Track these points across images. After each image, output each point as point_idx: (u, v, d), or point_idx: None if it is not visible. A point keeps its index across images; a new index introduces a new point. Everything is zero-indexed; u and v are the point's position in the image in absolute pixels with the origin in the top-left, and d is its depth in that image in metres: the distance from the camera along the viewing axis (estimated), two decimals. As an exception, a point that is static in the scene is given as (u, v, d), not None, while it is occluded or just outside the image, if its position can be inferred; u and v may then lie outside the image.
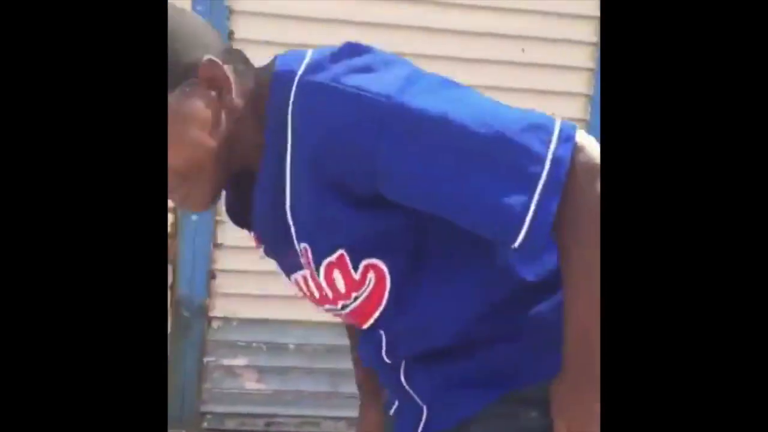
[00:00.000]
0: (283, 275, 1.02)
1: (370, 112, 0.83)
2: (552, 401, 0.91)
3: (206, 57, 0.87)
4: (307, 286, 0.99)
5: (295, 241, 0.93)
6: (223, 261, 2.53)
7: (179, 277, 2.50)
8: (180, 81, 0.86)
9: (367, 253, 0.91)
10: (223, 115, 0.89)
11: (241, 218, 1.03)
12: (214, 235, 2.51)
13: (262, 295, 2.50)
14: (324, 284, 0.95)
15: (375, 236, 0.90)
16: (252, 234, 1.02)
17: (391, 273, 0.92)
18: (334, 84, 0.84)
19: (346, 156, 0.85)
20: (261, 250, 1.02)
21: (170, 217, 2.44)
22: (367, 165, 0.84)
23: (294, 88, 0.86)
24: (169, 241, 2.43)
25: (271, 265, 1.04)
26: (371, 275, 0.93)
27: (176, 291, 2.50)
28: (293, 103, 0.86)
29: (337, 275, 0.93)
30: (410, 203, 0.87)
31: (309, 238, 0.92)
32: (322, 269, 0.93)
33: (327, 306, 1.00)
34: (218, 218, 2.47)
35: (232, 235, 2.51)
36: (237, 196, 1.02)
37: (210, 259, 2.51)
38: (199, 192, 0.92)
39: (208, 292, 2.54)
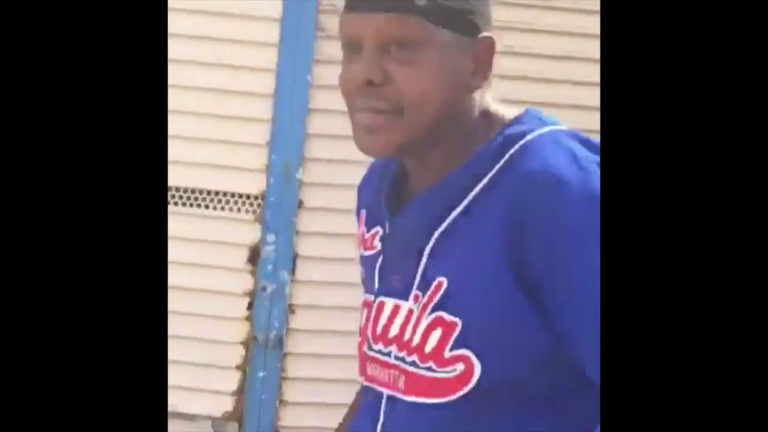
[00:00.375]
0: (365, 291, 0.98)
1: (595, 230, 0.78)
2: None
3: (491, 35, 0.89)
4: (388, 318, 0.92)
5: (424, 270, 0.88)
6: (288, 418, 2.51)
7: (245, 436, 2.47)
8: (468, 29, 0.87)
9: (481, 342, 0.85)
10: (462, 93, 0.89)
11: (376, 205, 0.98)
12: (280, 392, 2.51)
13: (330, 451, 2.43)
14: (420, 330, 0.88)
15: (503, 332, 0.85)
16: (373, 229, 0.98)
17: (478, 380, 0.85)
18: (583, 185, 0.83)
19: (553, 250, 0.83)
20: (364, 251, 0.99)
21: (237, 375, 2.48)
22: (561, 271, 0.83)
23: (541, 140, 0.87)
24: (236, 396, 2.44)
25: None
26: (460, 366, 0.86)
27: (243, 449, 2.46)
28: (530, 149, 0.86)
29: (435, 335, 0.87)
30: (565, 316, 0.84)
31: (450, 276, 0.87)
32: (433, 316, 0.87)
33: (380, 347, 0.92)
34: (284, 375, 2.48)
35: (299, 391, 2.51)
36: (392, 178, 0.97)
37: (276, 417, 2.50)
38: (401, 129, 0.87)
39: (274, 450, 2.49)
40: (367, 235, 0.99)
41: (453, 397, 0.86)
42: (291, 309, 2.50)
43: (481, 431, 0.87)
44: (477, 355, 0.85)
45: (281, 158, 2.49)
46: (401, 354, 0.89)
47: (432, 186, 0.90)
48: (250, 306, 2.48)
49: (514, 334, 0.85)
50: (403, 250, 0.92)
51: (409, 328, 0.89)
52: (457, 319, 0.85)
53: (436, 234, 0.88)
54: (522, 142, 0.87)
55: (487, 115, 0.91)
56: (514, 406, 0.86)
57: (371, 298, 0.96)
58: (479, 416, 0.87)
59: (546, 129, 0.88)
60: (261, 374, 2.48)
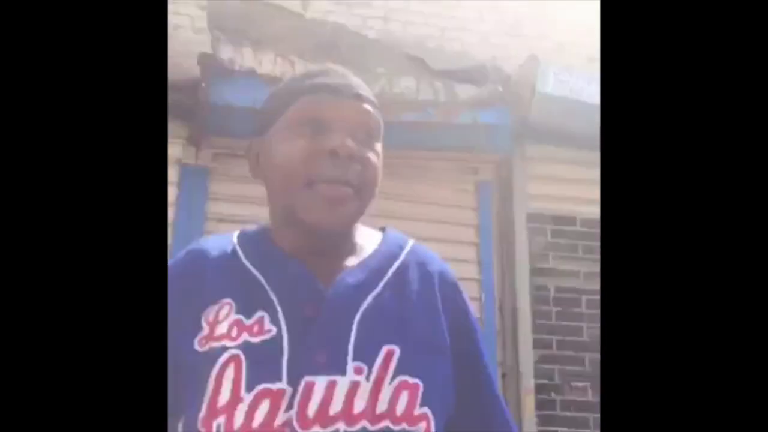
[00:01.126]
0: (252, 381, 0.89)
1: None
2: None
3: None
4: (323, 396, 0.89)
5: (356, 342, 0.92)
6: None
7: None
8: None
9: (432, 399, 0.94)
10: None
11: (248, 292, 0.97)
12: None
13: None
14: (386, 396, 0.91)
15: (446, 386, 0.99)
16: (253, 316, 0.95)
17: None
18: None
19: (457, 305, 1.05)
20: (249, 337, 0.93)
21: None
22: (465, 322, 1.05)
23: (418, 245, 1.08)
24: None
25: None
26: (422, 425, 0.93)
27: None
28: (418, 249, 1.07)
29: (403, 397, 0.91)
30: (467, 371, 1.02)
31: (398, 343, 0.94)
32: (396, 381, 0.91)
33: (316, 430, 0.88)
34: None
35: None
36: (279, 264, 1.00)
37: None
38: (359, 205, 0.99)
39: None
40: (249, 322, 0.93)
41: None
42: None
43: None
44: (432, 413, 0.94)
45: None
46: (357, 426, 0.88)
47: (350, 269, 0.99)
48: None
49: (448, 387, 1.00)
50: (332, 326, 0.93)
51: (361, 398, 0.89)
52: (416, 380, 0.93)
53: (363, 307, 0.96)
54: (409, 246, 1.07)
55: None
56: None
57: (277, 385, 0.89)
58: None
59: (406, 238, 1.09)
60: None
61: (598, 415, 3.46)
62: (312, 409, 0.88)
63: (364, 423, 0.88)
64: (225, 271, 0.99)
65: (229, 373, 0.89)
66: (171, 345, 0.90)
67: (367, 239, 1.05)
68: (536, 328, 3.43)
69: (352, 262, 1.01)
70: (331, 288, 0.96)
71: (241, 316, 0.94)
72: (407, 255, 1.04)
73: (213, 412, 0.88)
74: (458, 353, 1.00)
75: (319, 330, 0.92)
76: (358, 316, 0.94)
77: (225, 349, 0.91)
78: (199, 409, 0.89)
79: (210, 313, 0.94)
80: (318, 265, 0.98)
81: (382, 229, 1.09)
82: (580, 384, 3.42)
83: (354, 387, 0.89)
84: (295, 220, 0.98)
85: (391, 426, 0.90)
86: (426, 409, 0.92)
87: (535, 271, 3.51)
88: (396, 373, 0.92)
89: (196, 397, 0.89)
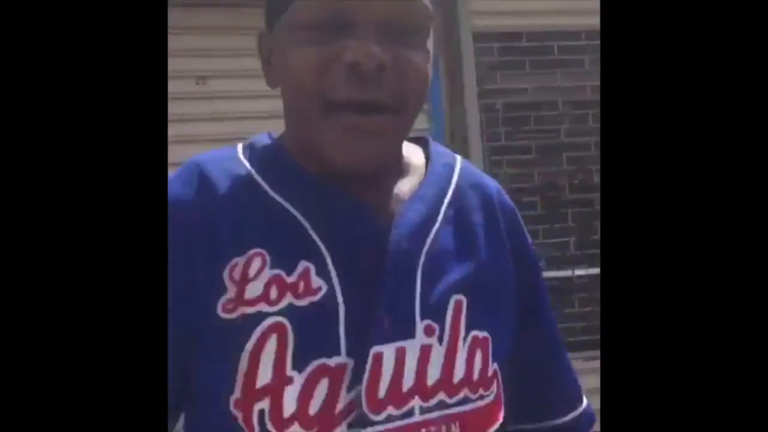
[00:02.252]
0: (304, 358, 0.70)
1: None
2: None
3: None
4: (394, 368, 0.71)
5: (422, 295, 0.74)
6: None
7: None
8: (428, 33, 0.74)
9: (498, 351, 0.79)
10: None
11: (282, 241, 0.74)
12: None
13: None
14: (461, 360, 0.74)
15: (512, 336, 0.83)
16: (296, 269, 0.73)
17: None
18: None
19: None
20: (295, 299, 0.72)
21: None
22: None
23: (466, 163, 0.87)
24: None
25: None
26: (495, 385, 0.78)
27: None
28: (469, 169, 0.86)
29: (478, 357, 0.76)
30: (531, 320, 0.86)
31: (463, 290, 0.76)
32: (469, 339, 0.75)
33: (390, 411, 0.71)
34: None
35: None
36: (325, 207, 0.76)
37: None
38: (398, 132, 0.75)
39: None
40: (291, 279, 0.72)
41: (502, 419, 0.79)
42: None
43: None
44: (499, 367, 0.79)
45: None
46: (433, 401, 0.73)
47: (410, 200, 0.78)
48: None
49: (510, 334, 0.83)
50: (397, 276, 0.73)
51: (435, 365, 0.73)
52: (486, 333, 0.77)
53: (425, 249, 0.76)
54: (459, 164, 0.85)
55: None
56: None
57: (335, 359, 0.70)
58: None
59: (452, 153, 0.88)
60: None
61: (548, 226, 3.67)
62: (383, 386, 0.71)
63: (441, 396, 0.73)
64: (243, 207, 0.74)
65: (270, 346, 0.70)
66: (177, 311, 0.70)
67: (411, 153, 0.83)
68: (488, 152, 3.48)
69: (405, 186, 0.79)
70: (393, 227, 0.74)
71: (279, 271, 0.72)
72: (459, 177, 0.82)
73: (252, 394, 0.69)
74: (523, 294, 0.83)
75: (384, 283, 0.72)
76: (421, 260, 0.75)
77: (263, 315, 0.70)
78: (228, 390, 0.70)
79: (235, 269, 0.71)
80: (364, 192, 0.75)
81: (419, 140, 0.86)
82: (530, 199, 3.55)
83: (426, 352, 0.73)
84: (315, 155, 0.73)
85: (470, 394, 0.74)
86: (495, 366, 0.78)
87: (483, 93, 3.48)
88: (467, 329, 0.75)
89: (221, 377, 0.70)
